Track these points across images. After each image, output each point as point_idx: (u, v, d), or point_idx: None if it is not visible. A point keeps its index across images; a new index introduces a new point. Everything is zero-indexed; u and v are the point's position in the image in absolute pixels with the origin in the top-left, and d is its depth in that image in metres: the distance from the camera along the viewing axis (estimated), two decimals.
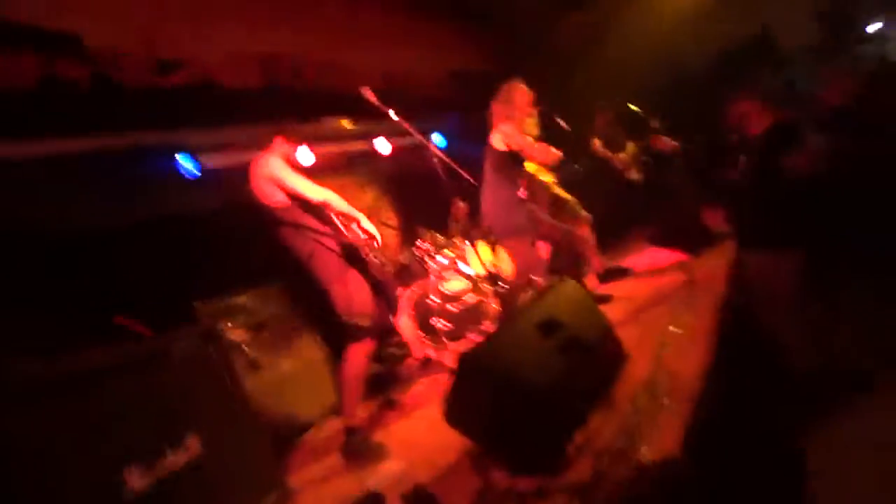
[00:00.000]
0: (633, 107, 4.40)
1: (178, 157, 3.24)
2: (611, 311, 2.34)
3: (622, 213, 4.17)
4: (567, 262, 3.17)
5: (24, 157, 2.85)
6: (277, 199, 2.09)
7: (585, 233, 3.20)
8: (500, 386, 1.37)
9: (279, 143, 2.24)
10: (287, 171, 2.09)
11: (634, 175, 4.20)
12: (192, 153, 3.37)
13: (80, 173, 3.02)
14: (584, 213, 3.35)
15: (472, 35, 6.93)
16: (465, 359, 1.43)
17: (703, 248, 3.01)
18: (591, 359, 1.59)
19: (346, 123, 4.66)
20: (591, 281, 3.06)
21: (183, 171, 3.31)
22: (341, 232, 2.17)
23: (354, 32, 5.20)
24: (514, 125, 2.72)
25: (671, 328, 2.05)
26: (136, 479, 1.32)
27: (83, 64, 3.22)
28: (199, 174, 3.42)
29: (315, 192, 2.09)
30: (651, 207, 4.02)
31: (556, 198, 3.40)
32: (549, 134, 3.70)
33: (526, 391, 1.33)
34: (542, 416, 1.35)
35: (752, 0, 5.42)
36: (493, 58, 6.99)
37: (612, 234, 4.47)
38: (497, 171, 2.73)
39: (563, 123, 3.45)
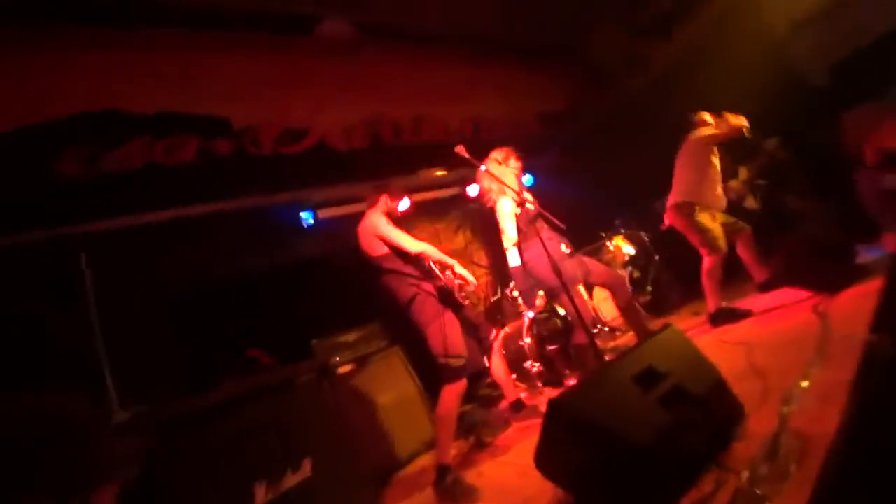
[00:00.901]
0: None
1: (301, 213, 3.73)
2: (726, 361, 2.12)
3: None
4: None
5: (183, 218, 3.55)
6: (382, 251, 2.34)
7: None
8: (592, 437, 1.32)
9: (384, 201, 2.52)
10: (390, 227, 2.37)
11: (751, 203, 3.81)
12: (312, 208, 3.89)
13: (226, 230, 3.65)
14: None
15: (557, 75, 7.04)
16: (554, 404, 1.42)
17: (839, 286, 2.59)
18: (700, 414, 1.46)
19: (439, 172, 4.98)
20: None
21: (303, 223, 3.82)
22: (438, 278, 2.34)
23: (444, 88, 5.65)
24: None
25: (801, 382, 1.80)
26: (262, 494, 1.52)
27: (230, 140, 3.98)
28: (314, 224, 3.91)
29: (413, 244, 2.33)
30: (774, 238, 3.57)
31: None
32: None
33: (621, 444, 1.27)
34: (640, 473, 1.27)
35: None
36: (578, 96, 7.00)
37: (728, 271, 4.06)
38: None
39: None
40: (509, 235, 2.68)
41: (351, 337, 3.26)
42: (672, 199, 3.39)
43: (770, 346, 2.36)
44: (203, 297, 3.36)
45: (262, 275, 3.65)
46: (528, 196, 2.80)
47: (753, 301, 3.20)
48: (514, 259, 2.67)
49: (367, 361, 3.16)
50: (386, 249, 2.35)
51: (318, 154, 4.29)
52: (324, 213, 4.02)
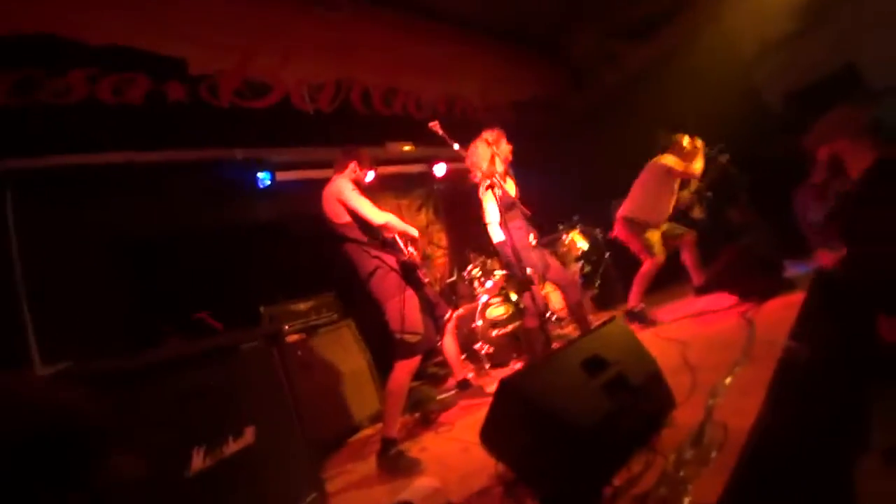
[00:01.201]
0: (698, 141, 4.27)
1: (258, 173, 3.54)
2: (662, 356, 2.27)
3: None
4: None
5: (126, 164, 3.26)
6: (345, 218, 2.26)
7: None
8: (539, 417, 1.38)
9: (352, 167, 2.43)
10: (354, 193, 2.27)
11: (697, 213, 4.05)
12: (270, 168, 3.70)
13: (174, 182, 3.40)
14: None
15: (534, 65, 7.07)
16: (505, 384, 1.46)
17: (766, 295, 2.83)
18: (636, 401, 1.56)
19: (406, 147, 4.89)
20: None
21: (259, 184, 3.63)
22: (401, 252, 2.30)
23: (420, 62, 5.51)
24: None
25: (726, 379, 1.96)
26: (199, 459, 1.46)
27: (185, 84, 3.67)
28: (271, 185, 3.72)
29: (377, 214, 2.25)
30: (714, 247, 3.84)
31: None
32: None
33: (566, 425, 1.33)
34: (581, 453, 1.34)
35: (844, 34, 5.08)
36: (553, 88, 7.08)
37: (671, 274, 4.31)
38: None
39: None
40: (492, 215, 2.70)
41: (302, 306, 3.19)
42: (622, 211, 3.60)
43: (702, 345, 2.54)
44: (144, 251, 3.14)
45: (211, 233, 3.45)
46: (511, 182, 2.83)
47: (685, 304, 3.47)
48: (497, 235, 2.72)
49: (317, 332, 3.10)
50: (349, 218, 2.28)
51: (280, 112, 4.06)
52: (283, 176, 3.84)
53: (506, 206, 2.65)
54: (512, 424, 1.48)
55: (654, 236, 3.47)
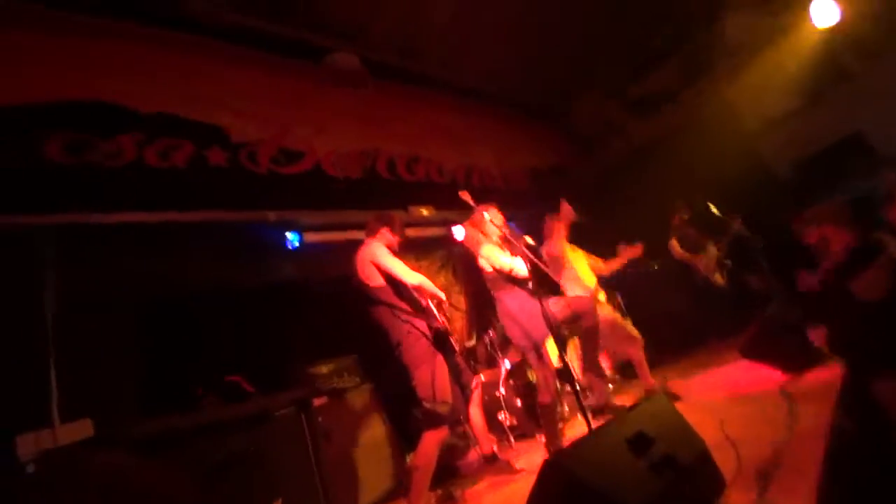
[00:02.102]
0: (712, 207, 4.37)
1: (287, 234, 3.67)
2: (698, 429, 2.18)
3: (706, 319, 3.96)
4: None
5: (163, 223, 3.41)
6: (378, 281, 2.30)
7: (637, 354, 3.12)
8: (588, 499, 1.32)
9: (384, 233, 2.51)
10: (390, 256, 2.34)
11: (718, 279, 4.05)
12: (299, 230, 3.83)
13: (209, 242, 3.52)
14: (636, 334, 3.28)
15: (546, 134, 7.46)
16: (551, 462, 1.41)
17: (804, 367, 2.75)
18: (686, 482, 1.48)
19: (426, 211, 5.06)
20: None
21: (288, 244, 3.75)
22: (435, 318, 2.31)
23: (440, 132, 5.86)
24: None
25: (774, 457, 1.86)
26: None
27: (226, 151, 3.93)
28: (299, 246, 3.84)
29: (411, 275, 2.30)
30: (739, 315, 3.79)
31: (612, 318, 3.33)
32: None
33: None
34: None
35: (849, 105, 5.34)
36: (565, 156, 7.40)
37: (697, 342, 4.22)
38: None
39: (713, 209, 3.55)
40: (504, 260, 2.65)
41: (325, 368, 3.15)
42: None
43: (742, 418, 2.44)
44: (173, 311, 3.19)
45: (239, 293, 3.51)
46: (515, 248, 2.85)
47: (716, 375, 3.38)
48: (521, 268, 2.60)
49: (340, 396, 3.04)
50: (382, 281, 2.32)
51: (312, 178, 4.29)
52: (310, 238, 3.96)
53: (506, 279, 2.66)
54: None
55: None
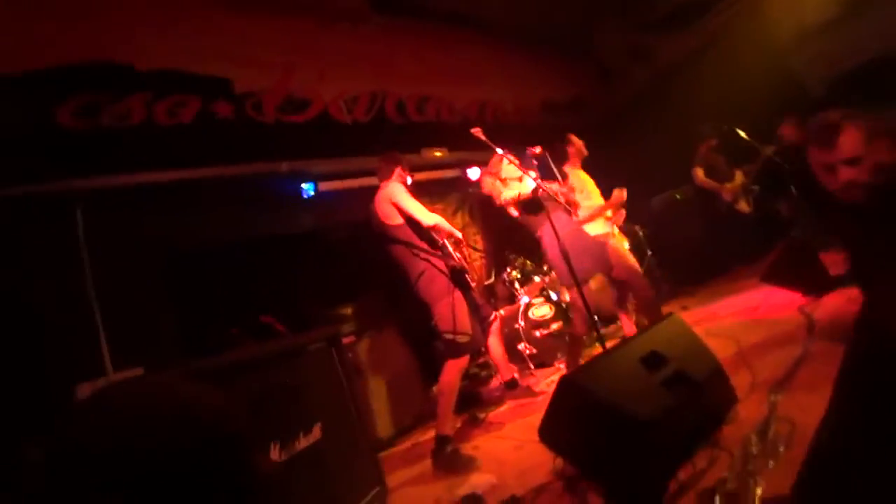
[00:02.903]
0: (741, 133, 4.15)
1: (303, 184, 3.69)
2: (718, 352, 2.23)
3: (729, 246, 3.90)
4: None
5: (181, 181, 3.48)
6: (396, 220, 2.35)
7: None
8: (601, 411, 1.40)
9: (398, 172, 2.52)
10: (408, 196, 2.38)
11: (743, 206, 3.93)
12: (313, 179, 3.85)
13: (225, 196, 3.59)
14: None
15: (563, 65, 7.03)
16: (566, 379, 1.49)
17: (824, 290, 2.72)
18: (698, 396, 1.55)
19: (439, 153, 4.96)
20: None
21: (304, 194, 3.79)
22: (451, 255, 2.37)
23: (450, 69, 5.60)
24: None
25: (788, 376, 1.91)
26: (276, 454, 1.56)
27: (231, 103, 3.88)
28: (314, 195, 3.88)
29: (428, 216, 2.35)
30: (763, 241, 3.72)
31: None
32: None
33: (629, 419, 1.34)
34: (644, 446, 1.35)
35: (885, 21, 4.82)
36: (584, 87, 7.01)
37: (720, 270, 4.18)
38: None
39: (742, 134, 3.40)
40: (528, 185, 2.64)
41: (349, 310, 3.29)
42: None
43: (759, 341, 2.48)
44: (199, 262, 3.33)
45: (262, 243, 3.63)
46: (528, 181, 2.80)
47: (740, 298, 3.39)
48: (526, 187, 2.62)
49: (365, 334, 3.20)
50: (400, 220, 2.36)
51: (320, 125, 4.22)
52: (325, 186, 3.99)
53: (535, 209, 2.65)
54: (572, 420, 1.50)
55: None
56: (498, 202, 2.83)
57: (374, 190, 2.66)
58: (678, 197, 4.46)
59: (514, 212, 2.79)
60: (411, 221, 2.36)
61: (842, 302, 2.62)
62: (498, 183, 2.82)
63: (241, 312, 2.79)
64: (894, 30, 4.78)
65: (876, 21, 4.84)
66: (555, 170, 2.61)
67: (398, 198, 2.35)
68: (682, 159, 4.55)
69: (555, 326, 3.56)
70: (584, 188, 3.02)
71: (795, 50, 5.40)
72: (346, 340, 3.04)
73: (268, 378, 1.62)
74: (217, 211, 3.62)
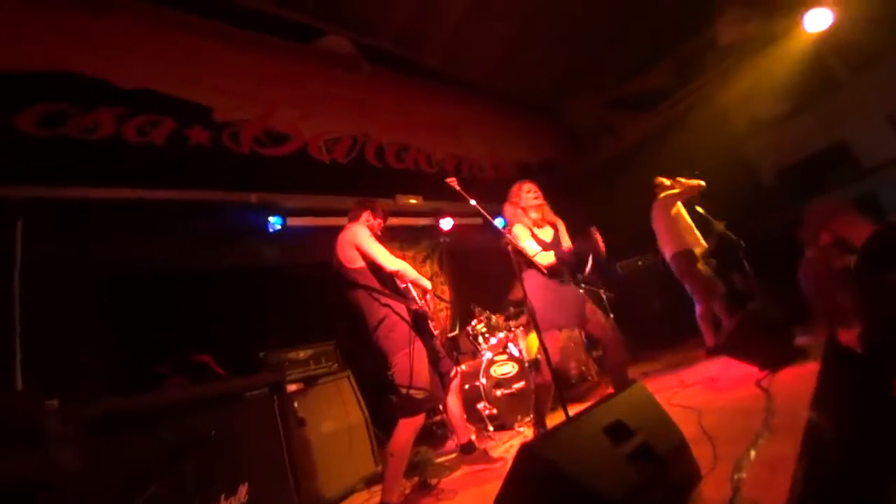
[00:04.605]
0: (698, 208, 4.38)
1: (270, 217, 3.58)
2: (678, 423, 2.18)
3: (689, 315, 3.98)
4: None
5: (138, 200, 3.29)
6: (358, 264, 2.25)
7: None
8: (564, 485, 1.29)
9: (366, 217, 2.46)
10: (372, 240, 2.29)
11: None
12: (282, 214, 3.74)
13: (187, 222, 3.41)
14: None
15: (538, 129, 7.45)
16: (527, 447, 1.38)
17: (781, 363, 2.77)
18: (662, 472, 1.47)
19: (414, 200, 5.00)
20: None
21: (270, 228, 3.66)
22: (413, 298, 2.27)
23: (431, 122, 5.80)
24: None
25: (750, 452, 1.86)
26: None
27: (208, 130, 3.82)
28: (280, 230, 3.75)
29: (391, 261, 2.25)
30: (720, 313, 3.83)
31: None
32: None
33: (594, 496, 1.24)
34: None
35: (833, 112, 5.41)
36: (556, 151, 7.40)
37: (680, 338, 4.24)
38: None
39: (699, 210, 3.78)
40: (533, 248, 2.63)
41: (301, 354, 3.07)
42: (670, 251, 3.83)
43: (719, 413, 2.45)
44: (148, 290, 3.09)
45: (218, 275, 3.42)
46: (548, 229, 2.81)
47: (696, 370, 3.42)
48: (545, 259, 2.61)
49: (316, 382, 2.98)
50: (362, 263, 2.27)
51: (297, 160, 4.19)
52: (293, 222, 3.87)
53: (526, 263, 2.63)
54: (532, 493, 1.38)
55: (708, 273, 3.67)
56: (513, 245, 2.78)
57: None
58: (640, 263, 4.58)
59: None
60: (373, 266, 2.27)
61: (796, 376, 2.66)
62: (519, 211, 2.77)
63: (184, 349, 2.55)
64: (838, 125, 5.36)
65: (822, 117, 5.42)
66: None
67: (360, 240, 2.28)
68: (645, 227, 4.75)
69: (517, 386, 3.44)
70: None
71: (749, 139, 5.94)
72: (293, 388, 2.83)
73: (191, 427, 1.43)
74: (172, 238, 3.43)
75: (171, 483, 1.37)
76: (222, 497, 1.48)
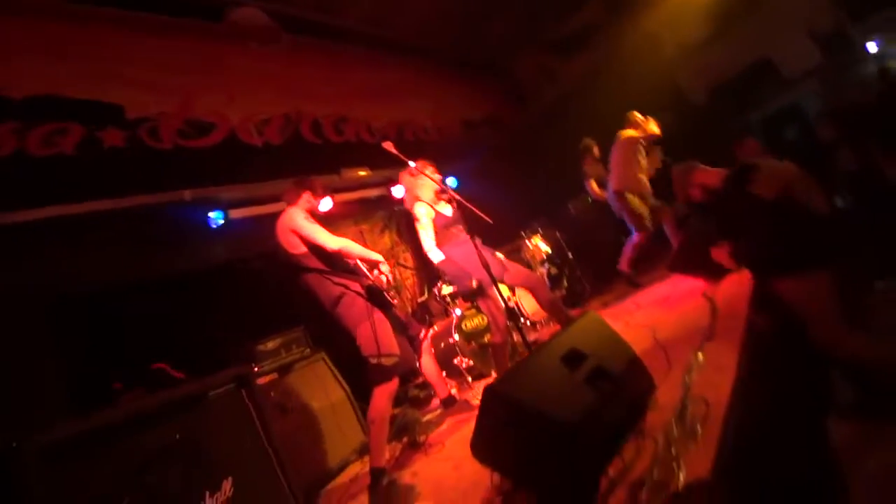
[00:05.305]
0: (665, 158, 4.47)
1: (210, 213, 3.41)
2: (634, 341, 2.33)
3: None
4: None
5: (63, 217, 3.06)
6: (300, 249, 2.22)
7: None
8: (526, 418, 1.37)
9: (306, 198, 2.39)
10: (308, 222, 2.25)
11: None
12: (222, 207, 3.57)
13: (113, 230, 3.21)
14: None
15: (481, 86, 7.32)
16: (489, 390, 1.45)
17: (722, 274, 2.99)
18: (619, 389, 1.58)
19: (362, 172, 4.87)
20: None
21: (212, 224, 3.49)
22: (365, 276, 2.26)
23: (368, 90, 5.57)
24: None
25: (698, 355, 2.03)
26: None
27: (122, 130, 3.52)
28: (224, 225, 3.59)
29: (332, 241, 2.23)
30: (662, 237, 4.03)
31: None
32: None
33: (554, 423, 1.33)
34: (572, 448, 1.33)
35: (753, 29, 5.59)
36: (500, 106, 7.33)
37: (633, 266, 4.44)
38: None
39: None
40: (426, 241, 2.76)
41: (270, 344, 3.04)
42: (613, 187, 3.98)
43: (671, 326, 2.64)
44: (95, 308, 2.93)
45: (164, 282, 3.27)
46: (444, 205, 2.89)
47: (649, 292, 3.67)
48: (436, 256, 2.75)
49: (290, 369, 2.97)
50: (304, 248, 2.23)
51: (228, 149, 3.96)
52: (236, 214, 3.71)
53: (444, 226, 2.77)
54: (500, 431, 1.46)
55: (644, 209, 3.82)
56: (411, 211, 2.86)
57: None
58: (590, 200, 4.71)
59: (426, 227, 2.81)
60: (316, 248, 2.23)
61: (737, 283, 2.88)
62: (417, 188, 2.86)
63: (141, 362, 2.46)
64: (761, 43, 5.55)
65: (746, 36, 5.60)
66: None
67: (297, 224, 2.23)
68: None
69: (488, 336, 3.55)
70: None
71: (678, 65, 6.07)
72: (268, 378, 2.81)
73: (157, 436, 1.41)
74: (109, 250, 3.23)
75: (148, 494, 1.35)
76: (207, 495, 1.48)
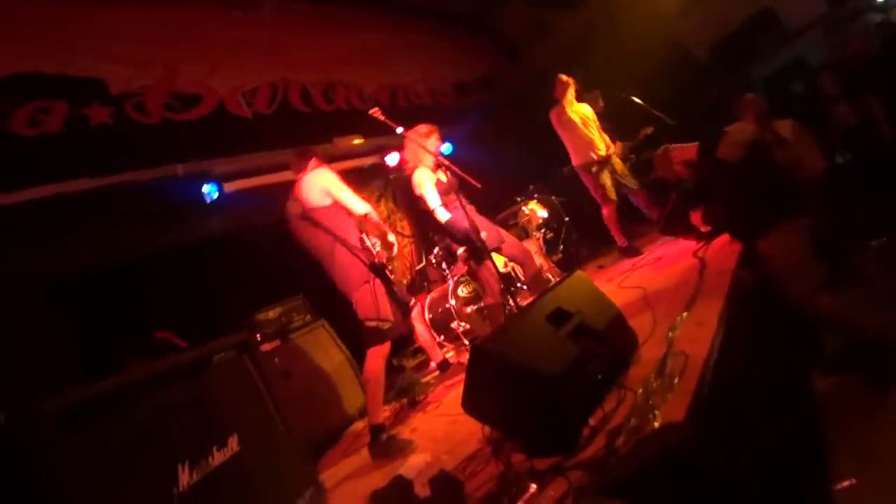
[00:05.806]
0: (636, 99, 4.38)
1: (203, 187, 3.42)
2: (625, 302, 2.40)
3: (633, 208, 4.17)
4: None
5: (54, 197, 3.07)
6: (322, 203, 2.28)
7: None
8: (512, 373, 1.44)
9: (313, 165, 2.40)
10: (340, 182, 2.32)
11: (630, 183, 4.09)
12: (216, 180, 3.57)
13: (106, 209, 3.22)
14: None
15: (472, 45, 7.09)
16: (476, 348, 1.52)
17: (713, 235, 3.02)
18: (602, 345, 1.65)
19: (356, 140, 4.82)
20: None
21: (206, 198, 3.51)
22: (369, 249, 2.31)
23: (356, 54, 5.42)
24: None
25: (683, 313, 2.09)
26: (186, 475, 1.45)
27: (108, 106, 3.48)
28: (219, 198, 3.60)
29: (361, 204, 2.32)
30: (656, 200, 4.02)
31: None
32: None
33: (538, 376, 1.40)
34: (555, 399, 1.41)
35: None
36: (492, 66, 7.13)
37: (628, 229, 4.46)
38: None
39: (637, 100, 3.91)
40: (433, 200, 2.77)
41: (271, 313, 3.13)
42: (573, 162, 3.95)
43: (661, 287, 2.69)
44: (95, 287, 2.99)
45: (162, 258, 3.32)
46: (441, 173, 2.89)
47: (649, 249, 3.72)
48: (443, 215, 2.77)
49: (292, 336, 3.07)
50: (327, 202, 2.28)
51: (217, 121, 3.92)
52: (231, 187, 3.72)
53: (443, 192, 2.79)
54: (488, 386, 1.54)
55: (608, 179, 3.78)
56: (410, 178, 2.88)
57: (286, 185, 2.54)
58: (566, 170, 4.67)
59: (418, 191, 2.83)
60: (335, 208, 2.29)
61: (728, 242, 2.92)
62: (420, 153, 2.88)
63: (140, 337, 2.54)
64: None
65: None
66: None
67: (333, 185, 2.29)
68: None
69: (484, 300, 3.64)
70: None
71: (678, 19, 5.86)
72: (270, 345, 2.92)
73: (164, 398, 1.49)
74: (107, 228, 3.25)
75: (158, 449, 1.45)
76: (214, 449, 1.58)
